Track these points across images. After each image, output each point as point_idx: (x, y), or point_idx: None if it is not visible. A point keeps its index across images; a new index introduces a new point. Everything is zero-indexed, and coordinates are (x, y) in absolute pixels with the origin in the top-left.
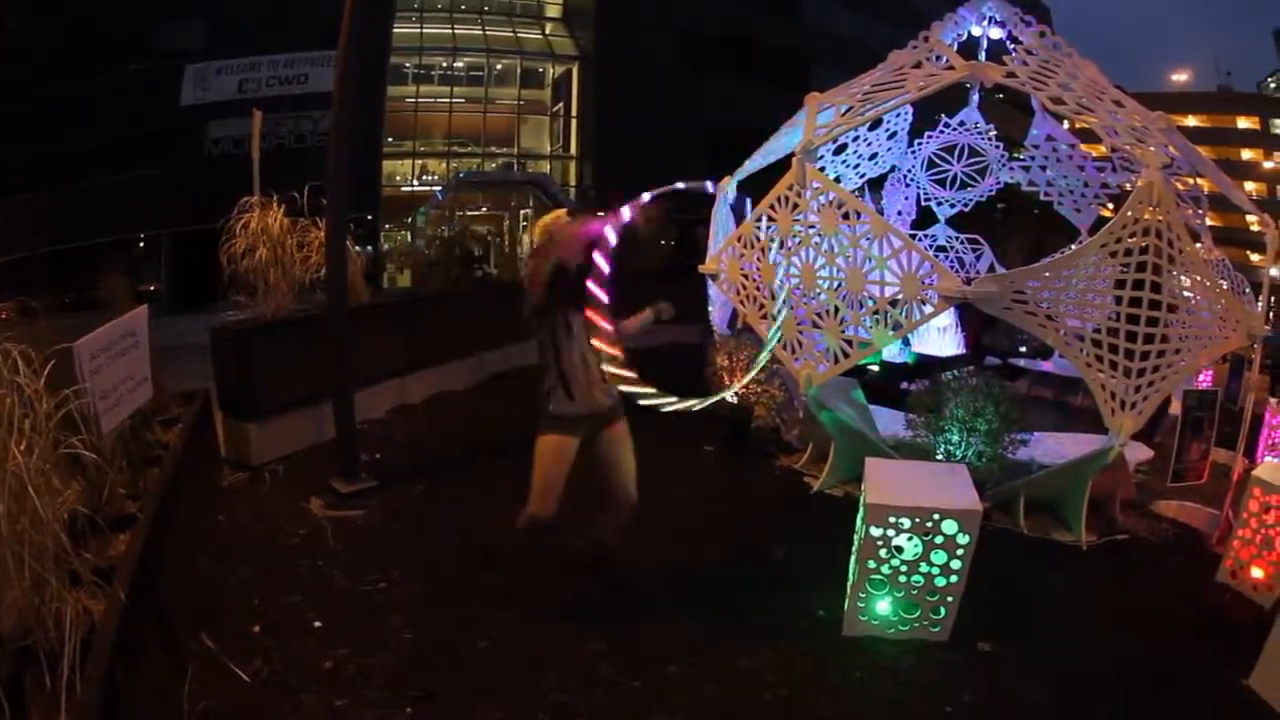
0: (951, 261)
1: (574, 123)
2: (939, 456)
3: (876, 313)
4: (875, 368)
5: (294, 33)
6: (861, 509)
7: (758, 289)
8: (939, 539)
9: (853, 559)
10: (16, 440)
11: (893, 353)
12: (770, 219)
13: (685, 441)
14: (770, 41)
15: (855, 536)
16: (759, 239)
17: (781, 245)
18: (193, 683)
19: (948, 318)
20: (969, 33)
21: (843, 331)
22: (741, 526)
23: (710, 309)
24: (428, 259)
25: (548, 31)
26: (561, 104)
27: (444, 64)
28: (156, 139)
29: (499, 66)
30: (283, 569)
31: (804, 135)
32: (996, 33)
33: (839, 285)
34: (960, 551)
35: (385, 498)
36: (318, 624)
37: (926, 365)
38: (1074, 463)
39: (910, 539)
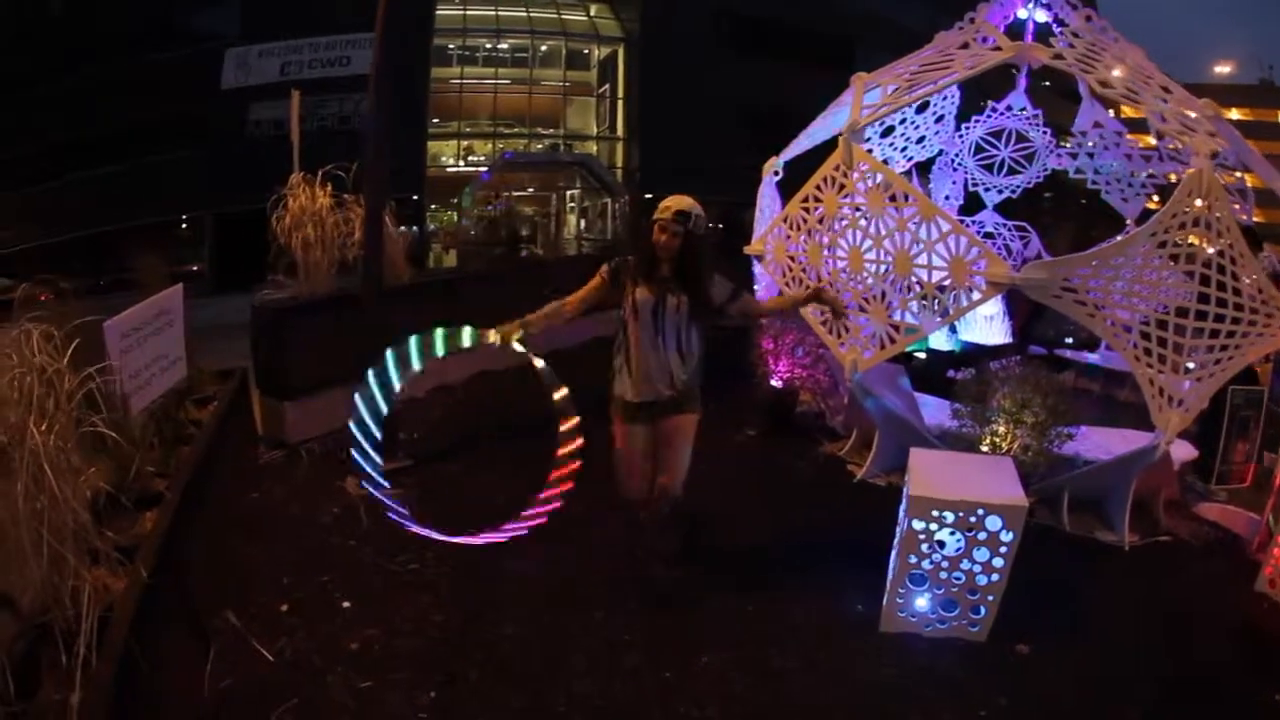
0: (999, 248)
1: (620, 104)
2: (984, 448)
3: (924, 298)
4: (922, 355)
5: (336, 15)
6: (904, 501)
7: (803, 271)
8: (982, 535)
9: (893, 553)
10: (36, 420)
11: (940, 340)
12: (816, 200)
13: (727, 424)
14: (814, 24)
15: (897, 529)
16: (805, 220)
17: (828, 226)
18: (216, 661)
19: (995, 305)
20: (1015, 15)
21: (889, 317)
22: (780, 514)
23: (757, 290)
24: (474, 239)
25: (592, 13)
26: (607, 85)
27: (488, 45)
28: (198, 121)
29: (544, 48)
30: (314, 548)
31: (850, 115)
32: (1043, 15)
33: (886, 269)
34: (1003, 549)
35: (421, 477)
36: (346, 604)
37: (973, 354)
38: (1119, 460)
39: (953, 534)
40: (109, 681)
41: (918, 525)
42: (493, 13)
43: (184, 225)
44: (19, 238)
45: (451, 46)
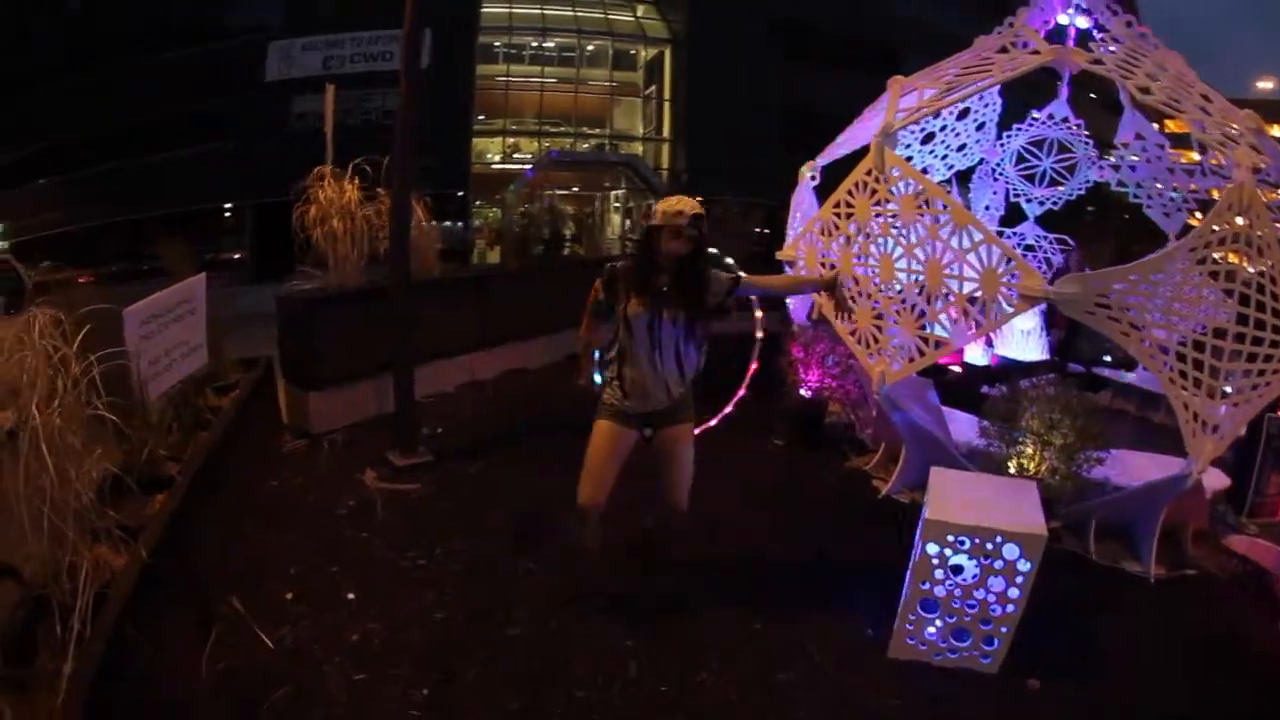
0: (1038, 262)
1: (666, 106)
2: (1010, 469)
3: (955, 310)
4: (956, 369)
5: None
6: (920, 523)
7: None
8: (998, 563)
9: (907, 576)
10: (40, 402)
11: (975, 354)
12: (848, 206)
13: (753, 433)
14: (860, 29)
15: (913, 552)
16: (837, 226)
17: (860, 233)
18: (216, 644)
19: (1032, 320)
20: (1056, 21)
21: (920, 328)
22: (798, 528)
23: (789, 304)
24: (516, 236)
25: (639, 14)
26: (654, 86)
27: (534, 44)
28: (239, 112)
29: (590, 48)
30: (327, 538)
31: (885, 118)
32: (1084, 22)
33: (917, 278)
34: (1020, 579)
35: (440, 473)
36: (351, 596)
37: (1008, 369)
38: (1149, 486)
39: (969, 560)
40: (99, 655)
41: (932, 550)
42: (538, 11)
43: (227, 214)
44: (63, 220)
45: (497, 44)
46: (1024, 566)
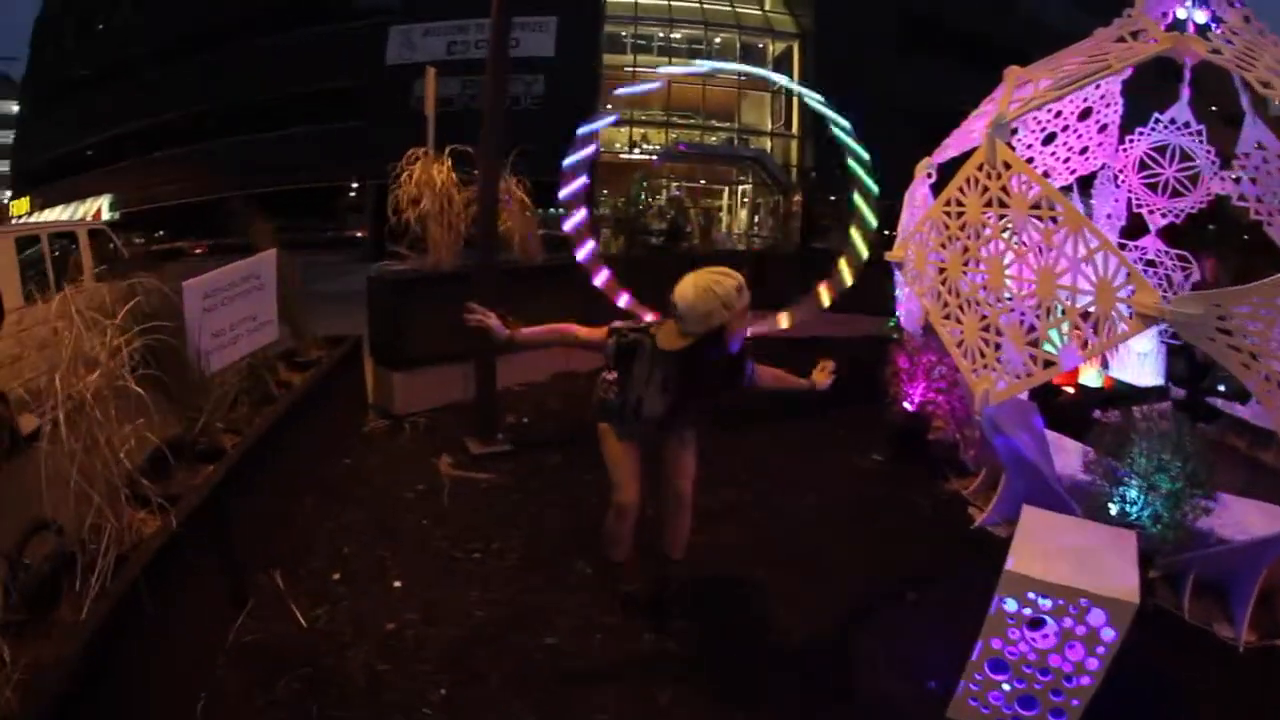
0: (1159, 280)
1: (795, 101)
2: (1113, 511)
3: (1066, 325)
4: (1069, 389)
5: None
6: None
7: (942, 283)
8: (1080, 629)
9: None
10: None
11: (1089, 374)
12: (959, 204)
13: (852, 447)
14: (986, 27)
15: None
16: (946, 227)
17: (971, 234)
18: (249, 616)
19: (1150, 341)
20: (1175, 14)
21: (1031, 344)
22: (877, 557)
23: (899, 302)
24: (639, 227)
25: (767, 7)
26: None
27: (660, 35)
28: (362, 93)
29: (717, 40)
30: (386, 522)
31: (998, 108)
32: (1201, 16)
33: (1028, 287)
34: (1101, 649)
35: (516, 464)
36: (397, 583)
37: (1123, 394)
38: (1253, 543)
39: (1049, 619)
40: (105, 611)
41: (1009, 607)
42: (665, 2)
43: (352, 193)
44: (179, 194)
45: (624, 34)
46: (1108, 635)
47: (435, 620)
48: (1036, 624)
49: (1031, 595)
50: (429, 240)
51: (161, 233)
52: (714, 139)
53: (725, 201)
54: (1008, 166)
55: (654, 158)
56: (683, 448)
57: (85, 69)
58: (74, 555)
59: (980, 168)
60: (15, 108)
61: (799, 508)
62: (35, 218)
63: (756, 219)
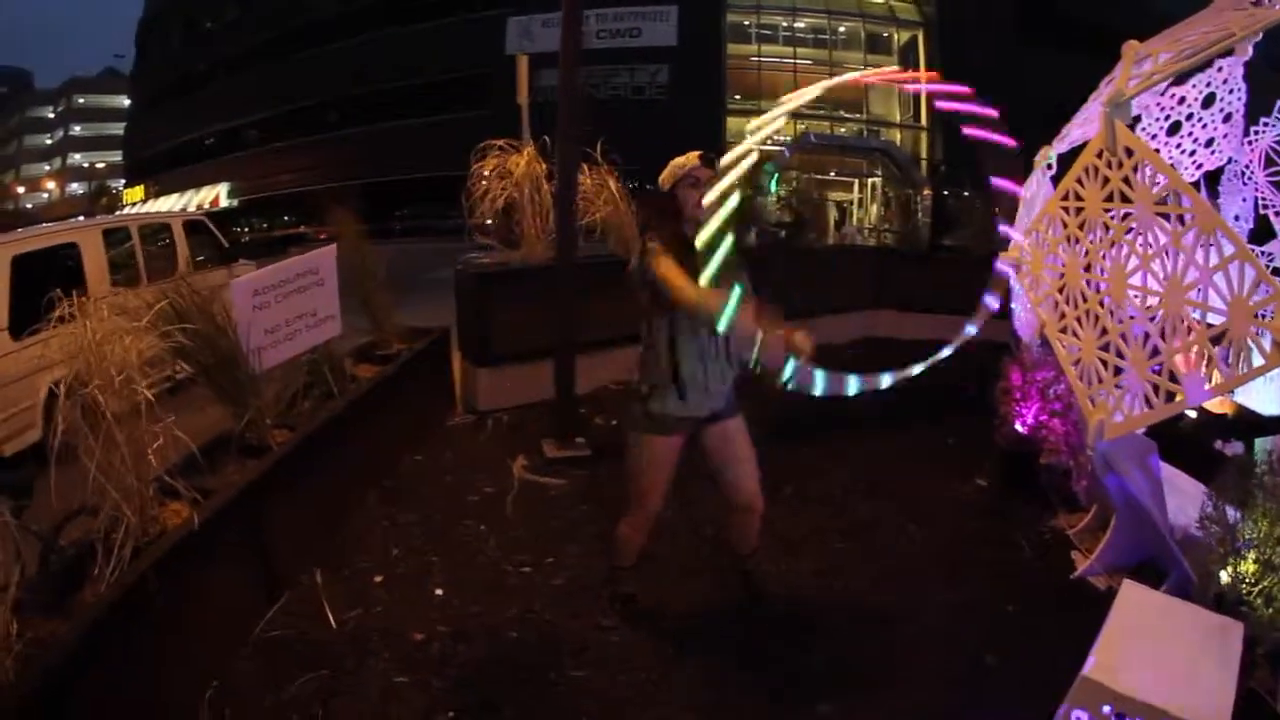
0: None
1: (923, 92)
2: (1224, 577)
3: (1197, 351)
4: (1192, 414)
5: None
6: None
7: (1060, 290)
8: None
9: None
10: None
11: (1214, 400)
12: (1078, 198)
13: (954, 470)
14: (1112, 19)
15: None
16: (1065, 225)
17: (1091, 233)
18: (281, 613)
19: None
20: None
21: (1153, 370)
22: (954, 607)
23: (1014, 309)
24: (764, 219)
25: None
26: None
27: (784, 24)
28: (478, 85)
29: (841, 29)
30: (442, 525)
31: (1115, 86)
32: None
33: (1153, 300)
34: None
35: (592, 470)
36: (439, 591)
37: (1252, 424)
38: None
39: None
40: (110, 599)
41: (1078, 716)
42: None
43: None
44: (298, 182)
45: (746, 23)
46: None
47: (466, 636)
48: None
49: (1106, 709)
50: (520, 232)
51: (288, 218)
52: (843, 130)
53: (855, 195)
54: (1130, 152)
55: (784, 149)
56: (743, 435)
57: (198, 64)
58: (93, 544)
59: (1099, 155)
60: (127, 101)
61: (885, 542)
62: (150, 206)
63: (885, 213)
